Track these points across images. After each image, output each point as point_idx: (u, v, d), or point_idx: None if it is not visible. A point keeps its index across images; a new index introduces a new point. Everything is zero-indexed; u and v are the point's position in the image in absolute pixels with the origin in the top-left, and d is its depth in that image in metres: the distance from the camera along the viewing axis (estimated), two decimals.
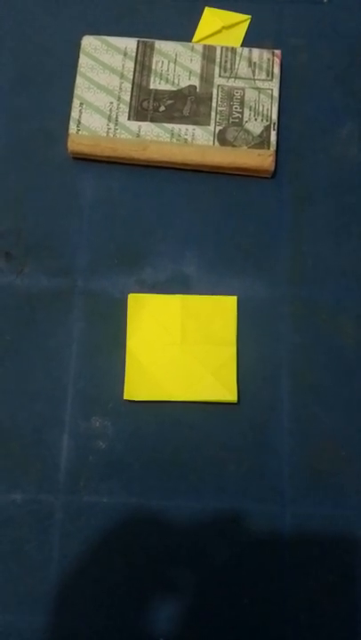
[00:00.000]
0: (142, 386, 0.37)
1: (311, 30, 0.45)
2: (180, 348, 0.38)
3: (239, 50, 0.44)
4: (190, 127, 0.42)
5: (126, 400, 0.37)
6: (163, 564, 0.35)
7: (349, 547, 0.35)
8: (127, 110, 0.42)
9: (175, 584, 0.34)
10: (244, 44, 0.45)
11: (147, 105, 0.42)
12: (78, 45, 0.44)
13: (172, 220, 0.41)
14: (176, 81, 0.43)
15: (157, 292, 0.39)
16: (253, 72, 0.43)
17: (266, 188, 0.42)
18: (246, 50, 0.44)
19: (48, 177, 0.42)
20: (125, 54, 0.44)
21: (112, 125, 0.42)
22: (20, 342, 0.38)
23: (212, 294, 0.39)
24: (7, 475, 0.36)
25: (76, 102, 0.42)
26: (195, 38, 0.45)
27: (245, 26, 0.45)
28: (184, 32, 0.45)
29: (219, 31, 0.45)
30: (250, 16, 0.45)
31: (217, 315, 0.38)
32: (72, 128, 0.42)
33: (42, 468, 0.36)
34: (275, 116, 0.42)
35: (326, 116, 0.43)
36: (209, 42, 0.45)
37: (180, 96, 0.42)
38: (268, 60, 0.44)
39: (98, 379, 0.38)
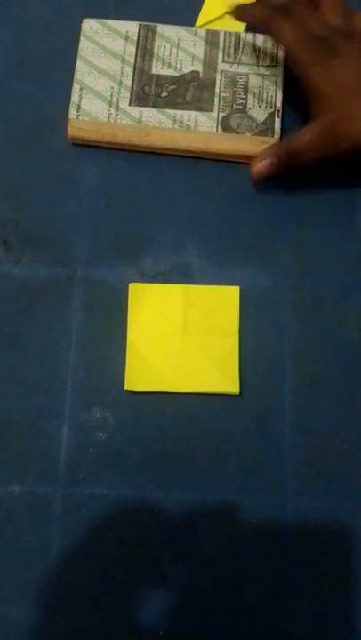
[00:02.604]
0: (143, 377, 0.37)
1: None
2: (181, 338, 0.37)
3: (243, 35, 0.43)
4: (193, 113, 0.41)
5: (127, 391, 0.37)
6: (163, 557, 0.35)
7: (352, 539, 0.35)
8: (128, 95, 0.41)
9: (176, 577, 0.34)
10: (247, 30, 0.44)
11: (148, 90, 0.41)
12: (79, 29, 0.43)
13: (173, 208, 0.41)
14: (179, 66, 0.42)
15: (158, 282, 0.39)
16: (258, 58, 0.42)
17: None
18: (250, 35, 0.43)
19: (47, 164, 0.41)
20: (127, 38, 0.42)
21: (113, 110, 0.41)
22: (19, 333, 0.38)
23: (214, 284, 0.39)
24: (5, 466, 0.36)
25: (76, 87, 0.41)
26: (198, 23, 0.44)
27: None
28: (187, 16, 0.44)
29: (222, 16, 0.44)
30: (254, 0, 0.45)
31: (219, 305, 0.38)
32: (72, 113, 0.41)
33: (41, 459, 0.36)
34: (279, 103, 0.41)
35: None
36: (212, 27, 0.44)
37: (182, 81, 0.42)
38: (273, 45, 0.42)
39: (98, 369, 0.37)
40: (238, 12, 0.40)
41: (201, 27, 0.44)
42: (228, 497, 0.35)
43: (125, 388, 0.37)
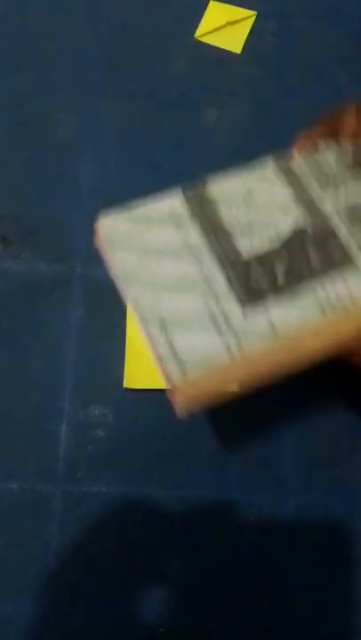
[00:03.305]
0: (142, 374, 0.36)
1: (317, 14, 0.44)
2: None
3: (321, 154, 0.30)
4: (338, 283, 0.27)
5: (126, 388, 0.36)
6: (163, 555, 0.34)
7: (352, 536, 0.35)
8: (236, 303, 0.26)
9: (176, 575, 0.34)
10: (248, 38, 0.43)
11: (256, 284, 0.27)
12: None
13: None
14: (272, 231, 0.28)
15: None
16: (358, 175, 0.30)
17: None
18: (331, 147, 0.30)
19: (47, 160, 0.41)
20: (177, 222, 0.28)
21: (230, 337, 0.26)
22: (18, 329, 0.38)
23: None
24: (4, 464, 0.36)
25: (153, 331, 0.26)
26: (197, 33, 0.44)
27: (251, 22, 0.44)
28: (187, 26, 0.44)
29: (223, 26, 0.44)
30: (255, 12, 0.44)
31: None
32: (174, 372, 0.25)
33: (40, 456, 0.36)
34: None
35: (332, 98, 0.42)
36: (213, 38, 0.43)
37: (292, 249, 0.28)
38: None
39: (97, 366, 0.37)
40: (319, 130, 0.30)
41: (201, 37, 0.43)
42: (229, 495, 0.35)
43: (125, 386, 0.36)
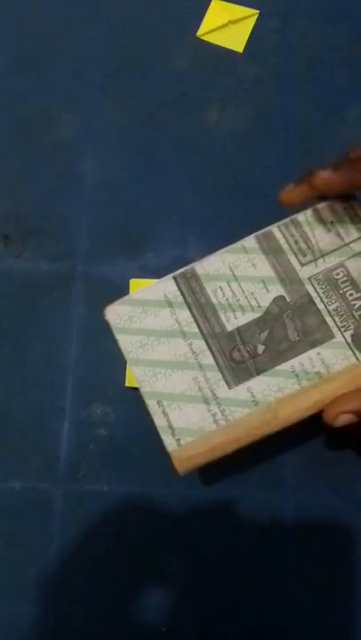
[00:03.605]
0: None
1: (319, 13, 0.44)
2: None
3: (301, 217, 0.31)
4: (313, 353, 0.29)
5: (128, 387, 0.36)
6: (164, 554, 0.34)
7: (352, 537, 0.35)
8: (220, 377, 0.29)
9: (176, 574, 0.34)
10: (250, 37, 0.43)
11: (239, 355, 0.29)
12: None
13: (175, 203, 0.40)
14: (253, 302, 0.30)
15: (160, 278, 0.38)
16: (340, 235, 0.31)
17: (273, 172, 0.41)
18: (309, 212, 0.31)
19: (48, 158, 0.41)
20: (171, 304, 0.31)
21: (215, 408, 0.29)
22: (19, 328, 0.38)
23: None
24: (6, 463, 0.35)
25: (152, 405, 0.30)
26: (199, 31, 0.44)
27: (253, 21, 0.44)
28: (188, 25, 0.44)
29: (225, 25, 0.44)
30: (258, 11, 0.44)
31: None
32: (169, 443, 0.29)
33: (41, 455, 0.36)
34: None
35: (334, 98, 0.42)
36: (214, 36, 0.43)
37: (271, 320, 0.30)
38: (345, 209, 0.31)
39: (99, 365, 0.37)
40: (303, 187, 0.30)
41: (203, 36, 0.43)
42: (229, 494, 0.35)
43: (126, 385, 0.36)
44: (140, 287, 0.37)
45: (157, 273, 0.39)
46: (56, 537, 0.34)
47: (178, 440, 0.29)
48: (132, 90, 0.43)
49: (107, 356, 0.37)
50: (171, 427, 0.29)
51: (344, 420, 0.28)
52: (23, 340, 0.37)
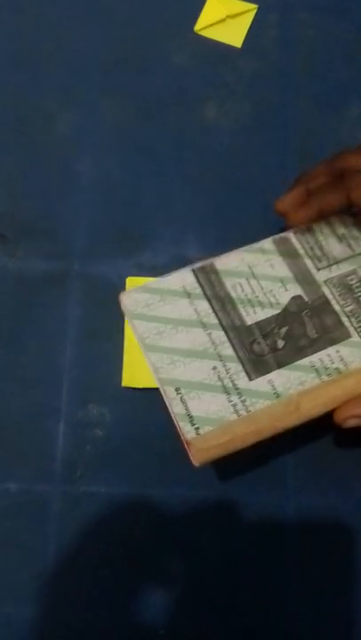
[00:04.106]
0: (141, 373, 0.36)
1: (319, 7, 0.44)
2: None
3: (315, 227, 0.33)
4: (332, 350, 0.30)
5: (124, 387, 0.36)
6: (162, 556, 0.34)
7: (353, 537, 0.34)
8: (241, 367, 0.30)
9: (175, 576, 0.34)
10: (249, 32, 0.43)
11: (259, 348, 0.30)
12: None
13: (173, 201, 0.40)
14: (272, 299, 0.31)
15: (157, 276, 0.38)
16: (350, 245, 0.33)
17: (272, 169, 0.40)
18: (322, 224, 0.34)
19: (44, 156, 0.41)
20: (189, 295, 0.31)
21: (235, 398, 0.29)
22: (14, 328, 0.37)
23: None
24: (1, 464, 0.35)
25: (169, 392, 0.29)
26: (197, 27, 0.43)
27: (251, 15, 0.43)
28: (186, 20, 0.43)
29: (223, 20, 0.43)
30: (256, 5, 0.43)
31: None
32: (187, 431, 0.29)
33: (37, 456, 0.35)
34: None
35: (334, 94, 0.42)
36: (213, 31, 0.43)
37: (290, 317, 0.31)
38: (355, 223, 0.34)
39: (95, 365, 0.37)
40: (309, 211, 0.32)
41: (200, 31, 0.42)
42: (228, 495, 0.35)
43: (123, 385, 0.36)
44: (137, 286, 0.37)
45: (155, 272, 0.38)
46: (53, 538, 0.34)
47: (197, 429, 0.29)
48: (130, 87, 0.42)
49: (103, 356, 0.37)
50: (189, 415, 0.29)
51: (353, 422, 0.29)
52: (18, 339, 0.37)
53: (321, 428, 0.36)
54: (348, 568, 0.34)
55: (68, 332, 0.37)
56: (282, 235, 0.33)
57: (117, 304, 0.37)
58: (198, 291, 0.32)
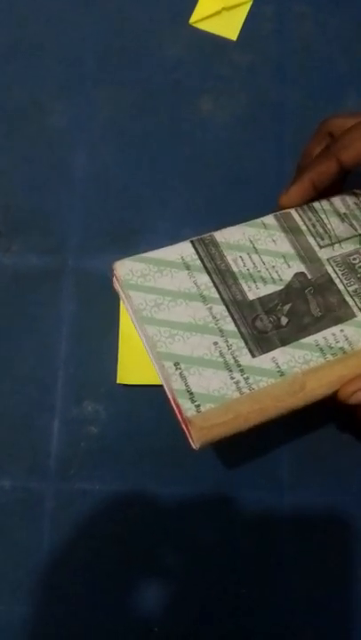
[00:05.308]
0: (136, 369, 0.36)
1: None
2: None
3: (317, 205, 0.32)
4: (336, 329, 0.29)
5: (119, 384, 0.36)
6: (157, 553, 0.34)
7: (348, 534, 0.34)
8: (244, 344, 0.28)
9: (170, 573, 0.34)
10: (244, 25, 0.42)
11: (262, 325, 0.29)
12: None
13: (168, 195, 0.39)
14: (275, 275, 0.30)
15: None
16: (353, 225, 0.32)
17: (268, 163, 0.40)
18: (324, 201, 0.33)
19: (37, 150, 0.40)
20: (188, 267, 0.30)
21: (238, 375, 0.28)
22: (8, 324, 0.37)
23: None
24: None
25: (168, 367, 0.28)
26: (192, 19, 0.43)
27: (247, 8, 0.43)
28: (181, 12, 0.43)
29: (218, 12, 0.43)
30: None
31: None
32: (187, 408, 0.27)
33: (32, 454, 0.35)
34: None
35: (331, 87, 0.42)
36: (208, 24, 0.42)
37: (293, 294, 0.30)
38: (356, 203, 0.33)
39: (90, 362, 0.36)
40: (303, 186, 0.31)
41: (195, 23, 0.42)
42: (224, 492, 0.35)
43: (118, 381, 0.36)
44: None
45: None
46: (47, 536, 0.34)
47: (197, 406, 0.27)
48: (125, 79, 0.42)
49: (98, 352, 0.36)
50: (189, 391, 0.27)
51: (359, 398, 0.28)
52: (12, 335, 0.37)
53: (317, 422, 0.36)
54: (346, 564, 0.34)
55: (62, 329, 0.37)
56: (284, 211, 0.32)
57: (112, 300, 0.37)
58: (198, 263, 0.30)
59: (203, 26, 0.43)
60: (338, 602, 0.33)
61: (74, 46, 0.42)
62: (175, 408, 0.27)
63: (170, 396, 0.28)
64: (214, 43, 0.43)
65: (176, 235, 0.38)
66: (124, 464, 0.35)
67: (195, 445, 0.27)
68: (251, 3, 0.43)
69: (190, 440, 0.27)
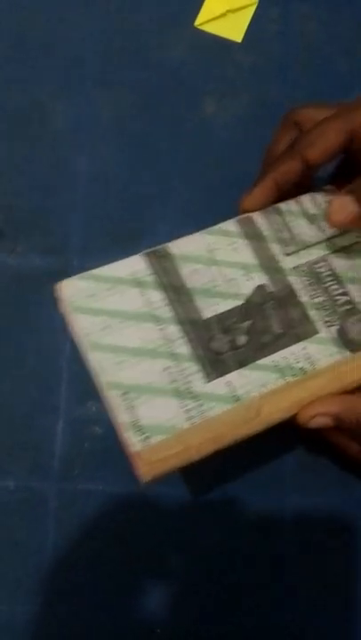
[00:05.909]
0: None
1: (320, 1, 0.44)
2: None
3: (283, 206, 0.30)
4: (297, 348, 0.27)
5: None
6: (160, 554, 0.34)
7: (353, 536, 0.34)
8: (198, 368, 0.26)
9: (173, 574, 0.34)
10: (249, 27, 0.42)
11: (218, 346, 0.27)
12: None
13: (171, 196, 0.39)
14: (233, 289, 0.28)
15: None
16: (321, 229, 0.29)
17: None
18: (291, 202, 0.30)
19: (41, 150, 0.40)
20: (139, 283, 0.27)
21: (190, 403, 0.26)
22: (12, 324, 0.37)
23: None
24: None
25: (114, 396, 0.26)
26: (197, 21, 0.43)
27: (252, 10, 0.43)
28: (186, 14, 0.43)
29: (223, 14, 0.43)
30: (257, 0, 0.43)
31: None
32: (134, 443, 0.25)
33: (35, 454, 0.35)
34: None
35: (333, 88, 0.42)
36: (213, 26, 0.42)
37: (253, 309, 0.27)
38: (326, 203, 0.29)
39: None
40: (266, 186, 0.28)
41: (201, 25, 0.42)
42: (227, 493, 0.35)
43: None
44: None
45: None
46: (50, 536, 0.34)
47: (147, 438, 0.25)
48: (128, 80, 0.42)
49: None
50: (137, 423, 0.25)
51: (319, 422, 0.26)
52: (16, 336, 0.37)
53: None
54: (348, 567, 0.34)
55: (67, 329, 0.37)
56: (247, 215, 0.29)
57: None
58: (150, 278, 0.27)
59: (208, 28, 0.43)
60: (338, 602, 0.34)
61: (77, 47, 0.42)
62: (123, 441, 0.26)
63: (117, 428, 0.26)
64: (218, 44, 0.43)
65: (178, 235, 0.38)
66: (127, 465, 0.35)
67: (143, 480, 0.25)
68: (256, 5, 0.43)
69: (139, 474, 0.25)
